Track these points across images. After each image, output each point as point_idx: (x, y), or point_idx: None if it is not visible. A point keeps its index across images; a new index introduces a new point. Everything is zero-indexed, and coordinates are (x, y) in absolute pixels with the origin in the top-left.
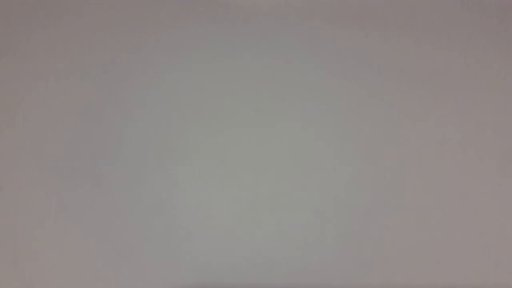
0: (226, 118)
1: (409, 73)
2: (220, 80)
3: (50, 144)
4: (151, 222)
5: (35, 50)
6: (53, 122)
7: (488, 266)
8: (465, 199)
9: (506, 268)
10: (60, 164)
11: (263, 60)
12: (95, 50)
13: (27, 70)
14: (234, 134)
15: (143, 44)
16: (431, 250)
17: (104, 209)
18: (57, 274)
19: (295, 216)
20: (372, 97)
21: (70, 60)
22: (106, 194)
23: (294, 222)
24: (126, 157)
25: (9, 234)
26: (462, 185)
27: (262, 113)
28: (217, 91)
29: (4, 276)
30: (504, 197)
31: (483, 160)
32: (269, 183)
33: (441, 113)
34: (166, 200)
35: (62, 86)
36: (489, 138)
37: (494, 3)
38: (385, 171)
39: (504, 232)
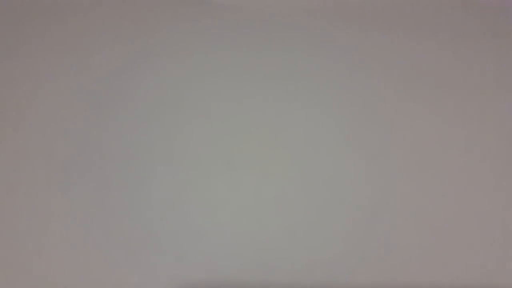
0: (233, 119)
1: (413, 73)
2: (227, 82)
3: (57, 143)
4: (158, 222)
5: (40, 50)
6: (60, 121)
7: (493, 265)
8: (470, 198)
9: (510, 268)
10: (68, 163)
11: (268, 62)
12: (101, 50)
13: (31, 70)
14: (241, 134)
15: (150, 45)
16: (435, 249)
17: (111, 209)
18: (64, 273)
19: (301, 216)
20: (377, 98)
21: (75, 60)
22: (113, 194)
23: (300, 222)
24: (133, 156)
25: (16, 234)
26: (467, 184)
27: (267, 114)
28: (224, 92)
29: (12, 275)
30: (508, 196)
31: (487, 160)
32: (275, 183)
33: (446, 112)
34: (173, 200)
35: (67, 86)
36: (491, 137)
37: (494, 3)
38: (390, 171)
39: (509, 232)
